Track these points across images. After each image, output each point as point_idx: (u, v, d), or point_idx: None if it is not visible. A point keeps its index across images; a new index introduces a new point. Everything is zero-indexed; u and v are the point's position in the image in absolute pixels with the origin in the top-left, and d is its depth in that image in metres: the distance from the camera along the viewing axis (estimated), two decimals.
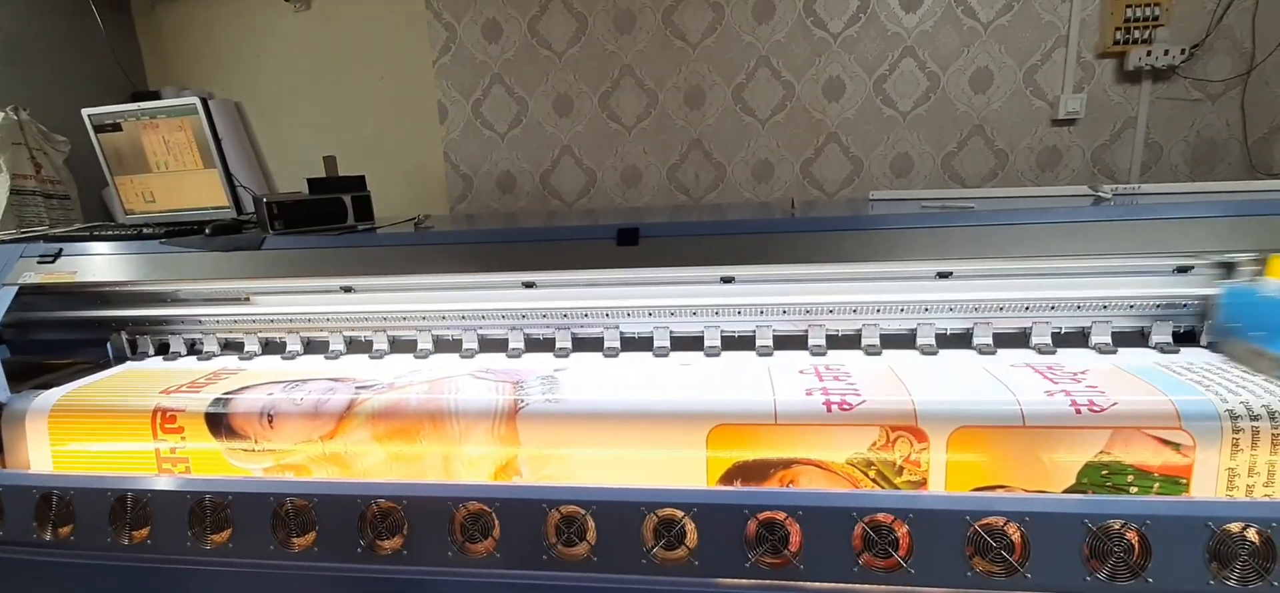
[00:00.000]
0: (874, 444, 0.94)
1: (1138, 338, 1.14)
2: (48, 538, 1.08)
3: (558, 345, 1.28)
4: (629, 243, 1.15)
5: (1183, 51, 2.19)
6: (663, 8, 2.52)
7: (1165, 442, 0.88)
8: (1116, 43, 2.23)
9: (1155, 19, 2.19)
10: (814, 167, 2.58)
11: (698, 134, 2.62)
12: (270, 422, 1.09)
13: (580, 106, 2.67)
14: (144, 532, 1.05)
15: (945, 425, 0.92)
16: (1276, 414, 0.86)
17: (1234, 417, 0.86)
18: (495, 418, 1.03)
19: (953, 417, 0.93)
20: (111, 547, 1.05)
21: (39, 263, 1.31)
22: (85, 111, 1.45)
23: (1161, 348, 1.10)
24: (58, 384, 1.26)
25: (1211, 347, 1.09)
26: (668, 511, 0.91)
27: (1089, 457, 0.89)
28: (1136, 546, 0.82)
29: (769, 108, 2.55)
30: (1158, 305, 1.11)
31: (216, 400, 1.12)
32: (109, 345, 1.44)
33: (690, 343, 1.25)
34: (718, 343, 1.23)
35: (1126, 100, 2.32)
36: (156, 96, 1.47)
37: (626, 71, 2.60)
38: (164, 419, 1.12)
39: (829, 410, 0.95)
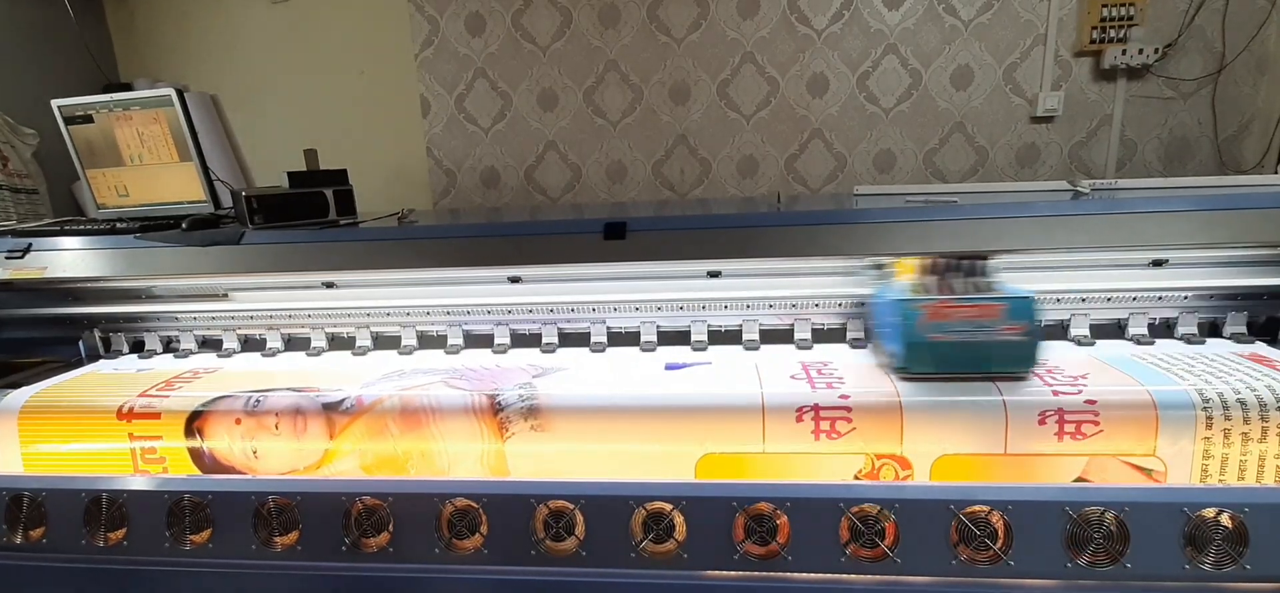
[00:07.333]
0: (859, 473, 0.96)
1: (1115, 330, 1.16)
2: (18, 541, 1.05)
3: (544, 341, 1.27)
4: (616, 237, 1.14)
5: (1156, 51, 2.23)
6: (647, 3, 2.51)
7: (1139, 468, 0.91)
8: (1093, 42, 2.27)
9: (1130, 19, 2.24)
10: (798, 163, 2.60)
11: (683, 130, 2.62)
12: (255, 455, 1.08)
13: (565, 102, 2.65)
14: (120, 533, 1.03)
15: (929, 455, 0.94)
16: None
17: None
18: (483, 451, 1.03)
19: (938, 445, 0.94)
20: (86, 549, 1.03)
21: (6, 258, 1.27)
22: (55, 102, 1.40)
23: (1137, 340, 1.13)
24: (27, 383, 1.23)
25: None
26: (656, 504, 0.91)
27: (1067, 481, 0.92)
28: (1115, 532, 0.84)
29: (754, 104, 2.56)
30: (1135, 298, 1.13)
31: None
32: (81, 343, 1.40)
33: (677, 337, 1.25)
34: (705, 337, 1.23)
35: (1102, 98, 2.36)
36: (128, 89, 1.43)
37: (611, 67, 2.59)
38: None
39: (817, 439, 0.96)
